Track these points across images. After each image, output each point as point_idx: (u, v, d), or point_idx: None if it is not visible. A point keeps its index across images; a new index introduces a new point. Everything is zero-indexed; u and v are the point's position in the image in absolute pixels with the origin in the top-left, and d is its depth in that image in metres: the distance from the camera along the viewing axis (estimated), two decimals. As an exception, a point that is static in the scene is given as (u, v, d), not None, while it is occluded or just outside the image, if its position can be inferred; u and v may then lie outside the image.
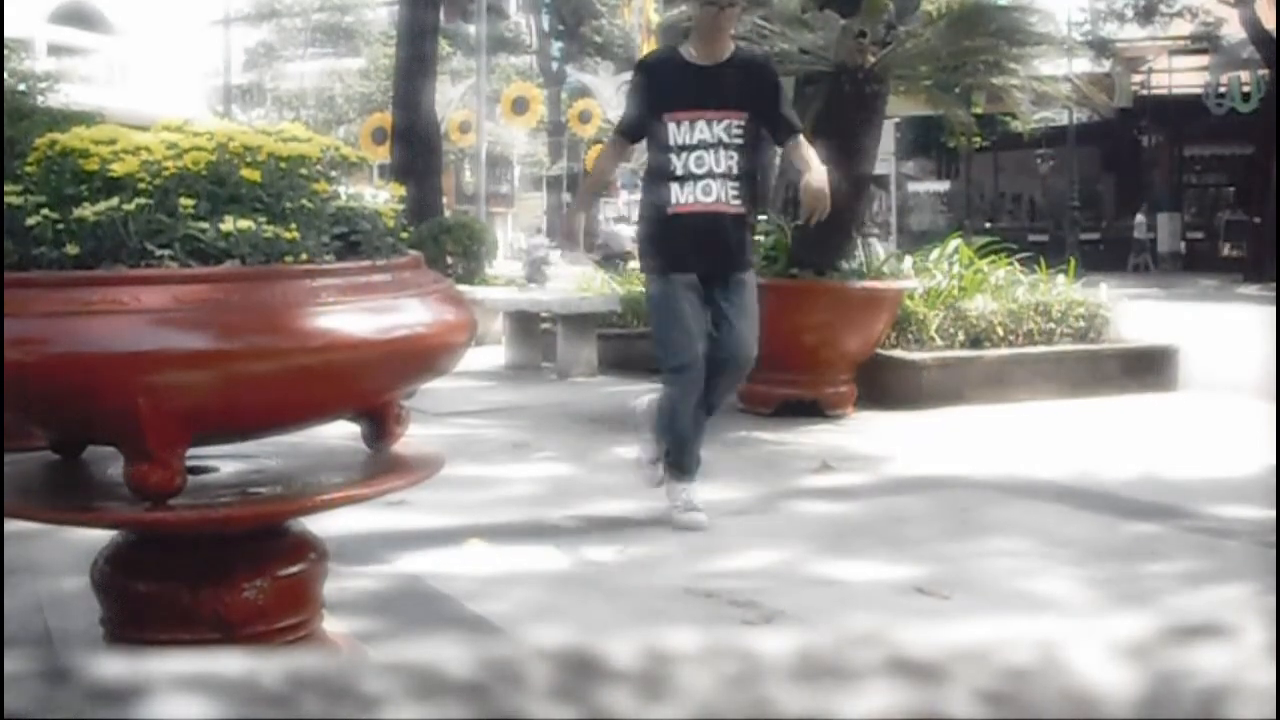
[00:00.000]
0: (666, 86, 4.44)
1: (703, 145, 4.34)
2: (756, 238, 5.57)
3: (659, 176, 4.42)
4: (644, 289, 4.76)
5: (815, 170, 4.44)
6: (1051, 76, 9.55)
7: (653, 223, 4.48)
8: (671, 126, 4.37)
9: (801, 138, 4.65)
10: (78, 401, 2.34)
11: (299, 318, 2.37)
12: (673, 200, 4.35)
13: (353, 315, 2.41)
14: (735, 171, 4.37)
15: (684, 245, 4.35)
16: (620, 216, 33.13)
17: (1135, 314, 8.48)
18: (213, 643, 2.44)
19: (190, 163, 2.46)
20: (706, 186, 4.34)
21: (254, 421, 2.52)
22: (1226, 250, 28.02)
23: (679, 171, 4.34)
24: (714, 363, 4.36)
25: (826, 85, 7.07)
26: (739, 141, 4.38)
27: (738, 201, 4.38)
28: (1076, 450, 5.77)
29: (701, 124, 4.36)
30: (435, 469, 2.69)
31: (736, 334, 4.36)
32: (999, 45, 7.51)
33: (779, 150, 5.22)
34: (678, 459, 4.45)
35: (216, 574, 2.51)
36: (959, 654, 0.32)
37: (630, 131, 4.65)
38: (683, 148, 4.35)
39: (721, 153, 4.35)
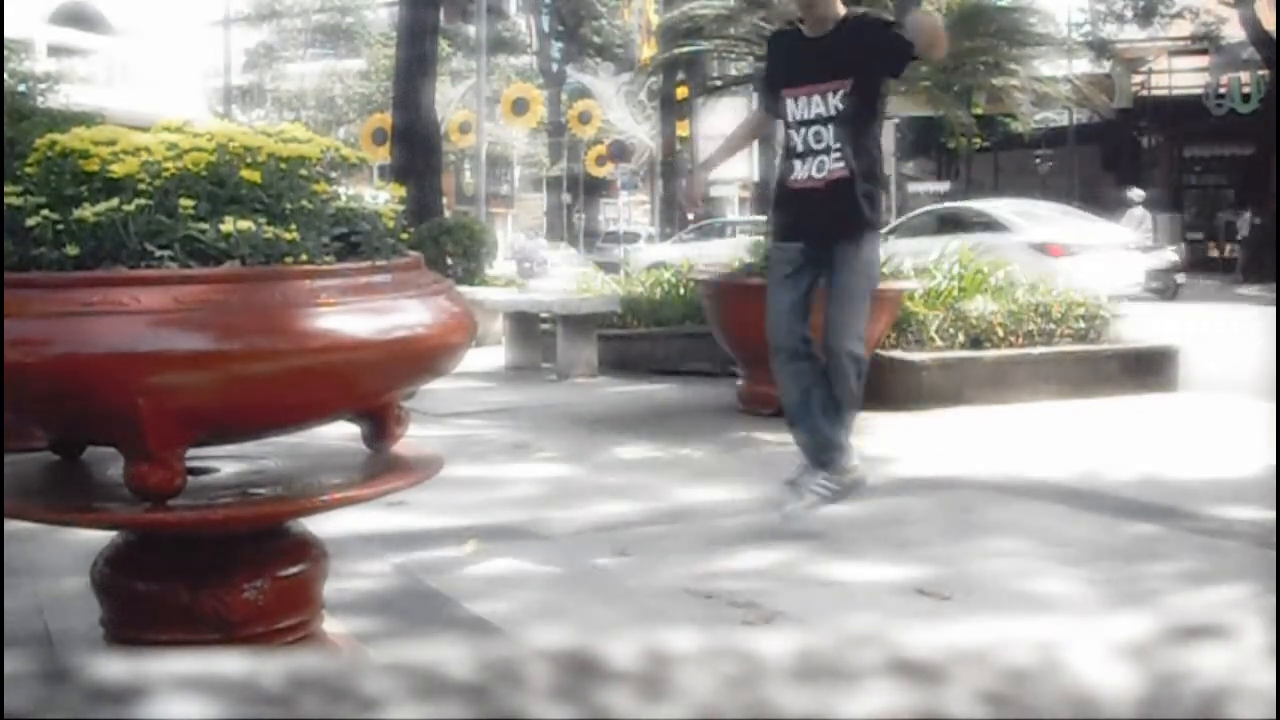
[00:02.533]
0: (781, 62, 4.48)
1: (820, 120, 4.34)
2: (756, 238, 5.56)
3: (786, 153, 4.49)
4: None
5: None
6: (1051, 77, 9.56)
7: (776, 196, 4.58)
8: (789, 103, 4.39)
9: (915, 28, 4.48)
10: (78, 402, 2.34)
11: (299, 319, 2.37)
12: (793, 175, 4.40)
13: (353, 316, 2.41)
14: (849, 141, 4.34)
15: (794, 218, 4.41)
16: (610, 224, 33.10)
17: (1135, 315, 8.48)
18: (213, 643, 2.44)
19: (190, 163, 2.46)
20: (821, 162, 4.34)
21: (254, 422, 2.52)
22: (1226, 250, 28.01)
23: (799, 148, 4.37)
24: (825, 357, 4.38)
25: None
26: (851, 110, 4.33)
27: (846, 169, 4.31)
28: (1077, 451, 5.77)
29: (817, 98, 4.35)
30: (435, 469, 2.69)
31: (827, 321, 4.35)
32: (999, 45, 7.52)
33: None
34: (805, 446, 4.40)
35: (216, 574, 2.51)
36: (959, 654, 0.32)
37: (767, 107, 4.69)
38: (801, 123, 4.37)
39: (835, 126, 4.34)
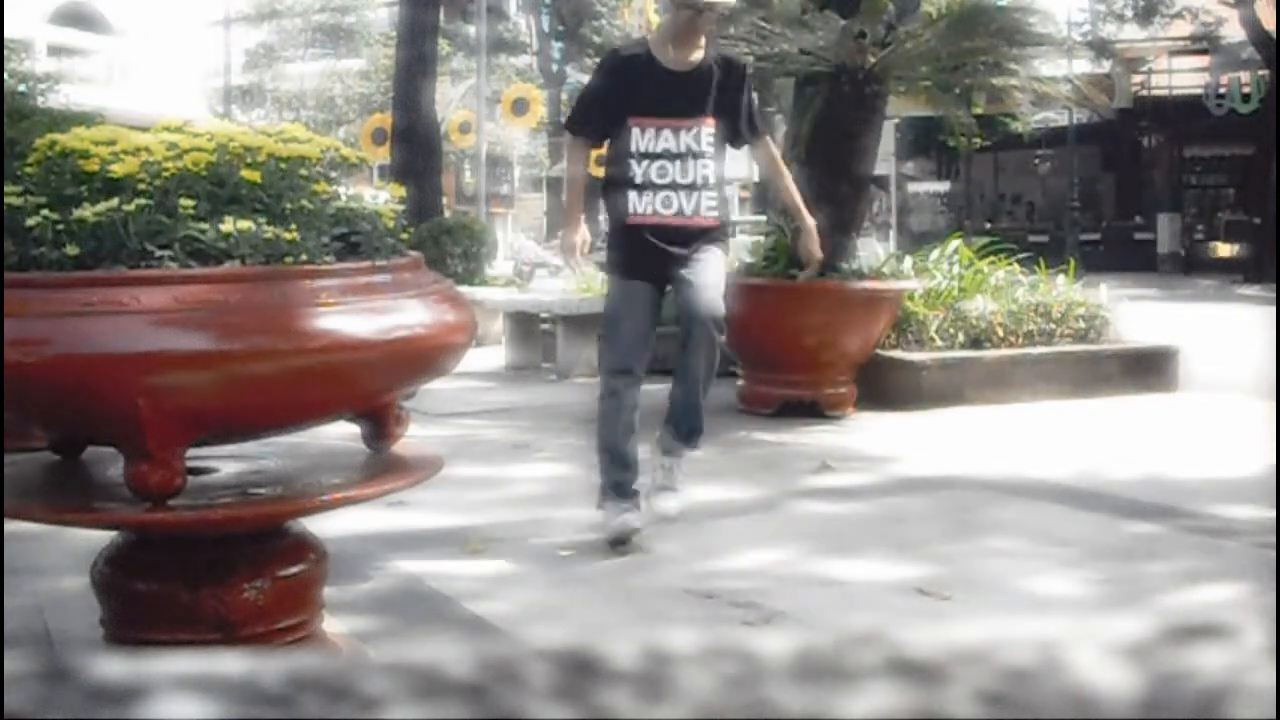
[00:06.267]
0: (633, 89, 4.20)
1: (666, 155, 4.14)
2: (757, 238, 5.55)
3: (619, 183, 4.20)
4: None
5: (809, 227, 4.51)
6: (1051, 77, 9.55)
7: (613, 231, 4.29)
8: (635, 132, 4.15)
9: (769, 140, 4.52)
10: (78, 402, 2.35)
11: (299, 319, 2.37)
12: (630, 209, 4.15)
13: (353, 316, 2.41)
14: (709, 181, 4.18)
15: (639, 253, 4.15)
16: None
17: (1135, 314, 8.48)
18: (213, 643, 2.44)
19: (190, 163, 2.46)
20: (667, 198, 4.14)
21: (254, 422, 2.52)
22: (1226, 250, 28.00)
23: (638, 180, 4.14)
24: (685, 333, 4.18)
25: (826, 86, 7.08)
26: (710, 149, 4.18)
27: (713, 213, 4.19)
28: (1076, 450, 5.77)
29: (668, 132, 4.15)
30: (435, 470, 2.69)
31: (695, 290, 4.09)
32: (999, 46, 7.52)
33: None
34: (611, 473, 4.14)
35: (216, 574, 2.51)
36: (959, 654, 0.32)
37: (591, 132, 4.39)
38: (644, 155, 4.14)
39: (691, 162, 4.15)
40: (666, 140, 4.15)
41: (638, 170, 4.15)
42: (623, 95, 4.21)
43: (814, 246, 4.54)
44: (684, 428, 4.24)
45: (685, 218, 4.16)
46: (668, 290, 4.25)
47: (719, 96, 4.22)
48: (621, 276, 4.24)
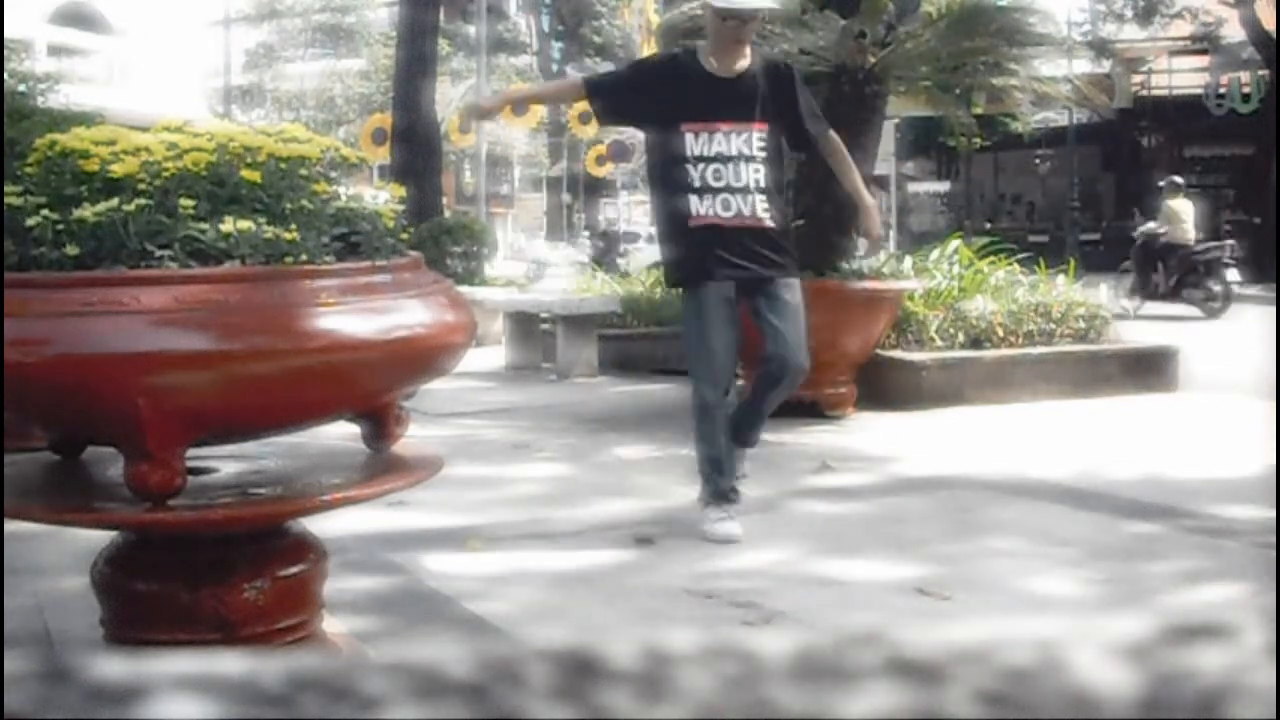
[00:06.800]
0: (682, 93, 4.28)
1: (720, 158, 4.22)
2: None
3: (676, 187, 4.27)
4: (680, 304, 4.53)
5: (868, 206, 4.63)
6: (1051, 77, 9.55)
7: (675, 236, 4.33)
8: (689, 137, 4.23)
9: (834, 135, 4.57)
10: (78, 401, 2.35)
11: (299, 319, 2.37)
12: (692, 211, 4.23)
13: (353, 316, 2.41)
14: (762, 185, 4.24)
15: (705, 255, 4.21)
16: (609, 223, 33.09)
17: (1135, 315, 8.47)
18: (213, 643, 2.44)
19: (190, 163, 2.46)
20: (726, 201, 4.22)
21: (254, 422, 2.52)
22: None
23: (696, 183, 4.22)
24: (764, 374, 4.32)
25: (826, 86, 7.07)
26: (762, 154, 4.25)
27: (766, 214, 4.25)
28: (1076, 450, 5.77)
29: (720, 136, 4.23)
30: (435, 469, 2.69)
31: (786, 340, 4.22)
32: (999, 46, 7.52)
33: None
34: (716, 481, 4.28)
35: (216, 574, 2.51)
36: (959, 654, 0.32)
37: (607, 111, 4.62)
38: (700, 159, 4.22)
39: (743, 166, 4.23)
40: (719, 144, 4.24)
41: (695, 174, 4.23)
42: (668, 96, 4.30)
43: (874, 225, 4.68)
44: (743, 430, 4.42)
45: (743, 219, 4.23)
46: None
47: (770, 101, 4.31)
48: (695, 284, 4.28)
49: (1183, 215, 15.16)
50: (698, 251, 4.23)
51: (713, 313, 4.21)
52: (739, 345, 4.35)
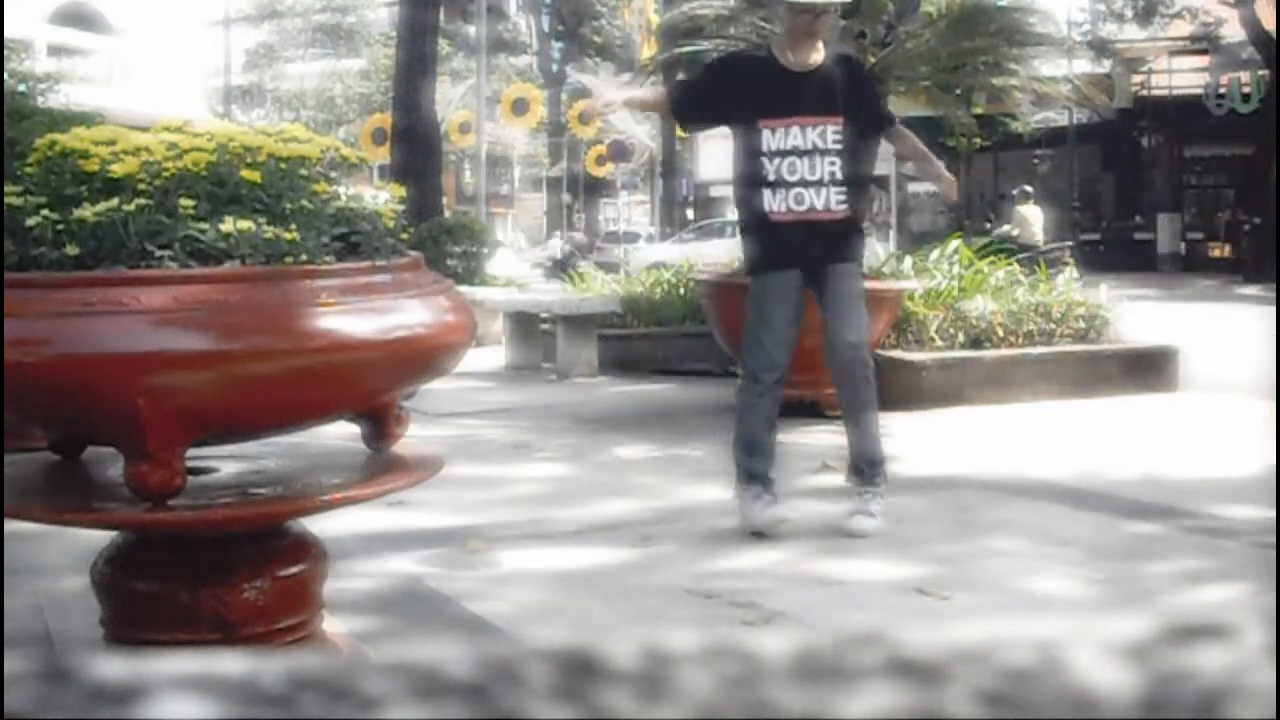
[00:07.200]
0: (757, 90, 4.36)
1: (795, 151, 4.30)
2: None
3: (752, 181, 4.37)
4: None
5: (949, 178, 4.89)
6: (1051, 77, 9.56)
7: (751, 228, 4.47)
8: (765, 133, 4.31)
9: (901, 126, 4.72)
10: (78, 401, 2.34)
11: (299, 319, 2.37)
12: (766, 206, 4.32)
13: (353, 316, 2.41)
14: (838, 177, 4.32)
15: (781, 247, 4.34)
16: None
17: (1135, 314, 8.48)
18: (213, 643, 2.44)
19: (190, 163, 2.46)
20: (799, 195, 4.30)
21: (254, 422, 2.52)
22: (1226, 250, 28.00)
23: (771, 177, 4.30)
24: (833, 370, 4.42)
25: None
26: (838, 146, 4.33)
27: (842, 206, 4.33)
28: (1076, 450, 5.77)
29: (795, 129, 4.30)
30: (435, 469, 2.69)
31: (838, 321, 4.33)
32: (999, 46, 7.52)
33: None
34: (749, 463, 4.35)
35: (216, 574, 2.51)
36: (959, 654, 0.32)
37: (689, 121, 4.96)
38: (775, 153, 4.30)
39: (818, 159, 4.30)
40: (795, 138, 4.31)
41: (770, 168, 4.32)
42: (744, 94, 4.37)
43: (950, 190, 5.01)
44: (862, 463, 4.40)
45: (816, 212, 4.32)
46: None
47: (844, 95, 4.38)
48: (765, 269, 4.40)
49: (1031, 220, 17.12)
50: (770, 243, 4.36)
51: (775, 297, 4.33)
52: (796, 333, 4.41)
